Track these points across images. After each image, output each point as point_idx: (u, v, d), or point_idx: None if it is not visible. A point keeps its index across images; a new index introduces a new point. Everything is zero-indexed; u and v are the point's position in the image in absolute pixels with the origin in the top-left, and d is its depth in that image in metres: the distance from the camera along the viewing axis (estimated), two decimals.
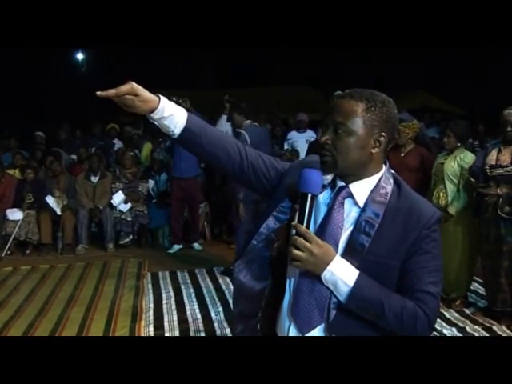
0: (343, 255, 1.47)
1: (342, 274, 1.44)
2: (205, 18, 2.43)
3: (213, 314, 4.73)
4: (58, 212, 7.07)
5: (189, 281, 5.78)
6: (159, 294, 5.35)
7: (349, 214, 1.51)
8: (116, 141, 9.55)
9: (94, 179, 7.37)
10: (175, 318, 4.68)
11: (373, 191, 1.51)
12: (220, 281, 5.74)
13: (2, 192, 7.10)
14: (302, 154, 7.26)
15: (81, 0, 2.29)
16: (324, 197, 1.55)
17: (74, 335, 4.31)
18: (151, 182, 7.51)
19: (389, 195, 1.51)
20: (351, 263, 1.46)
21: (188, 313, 4.80)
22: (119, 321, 4.63)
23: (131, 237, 7.28)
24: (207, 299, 5.15)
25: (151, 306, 4.99)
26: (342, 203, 1.52)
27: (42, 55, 14.20)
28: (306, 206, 1.46)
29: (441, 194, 4.68)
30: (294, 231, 1.46)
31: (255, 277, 1.60)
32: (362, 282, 1.44)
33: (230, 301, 4.98)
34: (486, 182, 4.37)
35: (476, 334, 4.21)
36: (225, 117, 6.02)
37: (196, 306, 4.96)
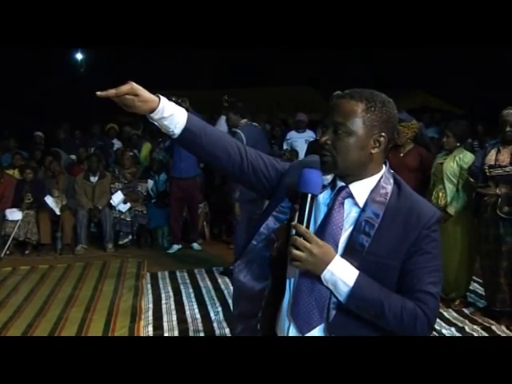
0: (343, 255, 1.47)
1: (341, 274, 1.44)
2: (204, 18, 2.43)
3: (212, 314, 4.73)
4: (57, 212, 7.07)
5: (188, 281, 5.78)
6: (158, 294, 5.35)
7: (349, 214, 1.51)
8: (115, 141, 9.55)
9: (94, 179, 7.36)
10: (174, 318, 4.68)
11: (373, 191, 1.51)
12: (219, 281, 5.74)
13: (1, 192, 7.10)
14: (301, 154, 7.26)
15: (81, 0, 2.29)
16: (324, 197, 1.55)
17: (73, 335, 4.31)
18: (150, 182, 7.50)
19: (389, 195, 1.51)
20: (351, 263, 1.46)
21: (187, 313, 4.80)
22: (118, 321, 4.63)
23: (130, 237, 7.28)
24: (206, 299, 5.15)
25: (150, 306, 4.99)
26: (342, 203, 1.52)
27: (42, 55, 14.19)
28: (305, 206, 1.46)
29: (440, 194, 4.68)
30: (293, 231, 1.46)
31: (255, 277, 1.60)
32: (362, 282, 1.44)
33: (230, 301, 4.99)
34: (485, 182, 4.37)
35: (475, 334, 4.21)
36: (224, 117, 6.02)
37: (195, 306, 4.96)
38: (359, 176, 1.52)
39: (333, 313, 1.49)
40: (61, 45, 2.54)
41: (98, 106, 6.35)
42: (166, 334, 4.32)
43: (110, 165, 8.39)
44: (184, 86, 12.69)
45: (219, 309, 4.84)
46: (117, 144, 9.39)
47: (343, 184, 1.53)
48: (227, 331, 4.33)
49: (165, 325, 4.52)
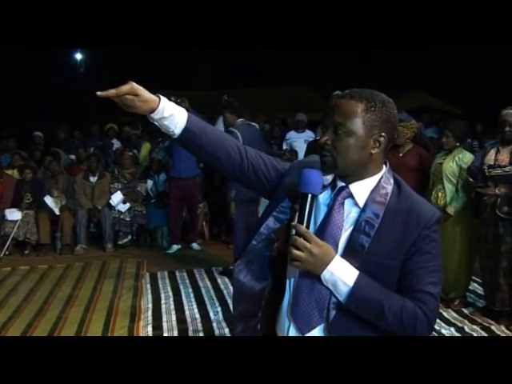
0: (343, 255, 1.47)
1: (341, 274, 1.44)
2: (204, 18, 2.43)
3: (211, 314, 4.73)
4: (57, 212, 7.07)
5: (187, 281, 5.78)
6: (158, 294, 5.35)
7: (349, 215, 1.51)
8: (115, 141, 9.54)
9: (93, 179, 7.36)
10: (174, 318, 4.68)
11: (373, 191, 1.51)
12: (219, 281, 5.74)
13: (1, 192, 7.10)
14: (301, 154, 7.26)
15: (81, 0, 2.29)
16: (324, 197, 1.55)
17: (73, 335, 4.31)
18: (150, 182, 7.50)
19: (389, 195, 1.50)
20: (351, 263, 1.46)
21: (187, 313, 4.80)
22: (118, 321, 4.63)
23: (130, 237, 7.28)
24: (206, 299, 5.15)
25: (150, 306, 4.99)
26: (342, 203, 1.52)
27: (42, 55, 14.18)
28: (306, 206, 1.46)
29: (439, 194, 4.68)
30: (293, 231, 1.46)
31: (255, 277, 1.60)
32: (362, 282, 1.44)
33: (229, 301, 4.99)
34: (484, 182, 4.37)
35: (474, 334, 4.21)
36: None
37: (195, 306, 4.96)
38: (359, 176, 1.52)
39: (333, 313, 1.48)
40: (61, 45, 2.54)
41: (98, 106, 6.36)
42: (165, 334, 4.31)
43: (109, 165, 8.39)
44: (184, 86, 12.70)
45: (218, 309, 4.84)
46: (116, 144, 9.39)
47: (343, 184, 1.53)
48: (227, 331, 4.33)
49: (164, 325, 4.52)
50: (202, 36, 2.52)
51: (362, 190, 1.51)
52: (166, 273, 6.05)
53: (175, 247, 7.02)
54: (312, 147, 5.33)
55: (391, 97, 1.54)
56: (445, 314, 4.61)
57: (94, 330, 4.44)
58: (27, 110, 14.47)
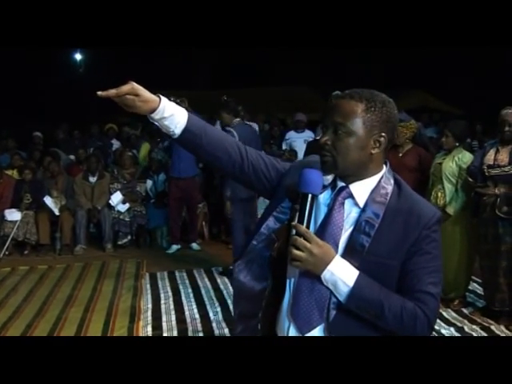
0: (343, 255, 1.47)
1: (341, 274, 1.45)
2: (204, 18, 2.43)
3: (211, 314, 4.73)
4: (56, 212, 7.06)
5: (187, 281, 5.78)
6: (157, 294, 5.35)
7: (349, 215, 1.51)
8: (114, 141, 9.55)
9: (92, 179, 7.36)
10: (173, 318, 4.68)
11: (373, 191, 1.51)
12: (218, 281, 5.74)
13: (0, 192, 7.09)
14: (300, 154, 7.26)
15: (81, 0, 2.29)
16: (324, 197, 1.55)
17: (73, 336, 4.30)
18: (149, 183, 7.50)
19: (389, 195, 1.51)
20: (351, 263, 1.46)
21: (186, 313, 4.80)
22: (117, 321, 4.63)
23: (129, 237, 7.27)
24: (205, 299, 5.15)
25: (149, 306, 4.99)
26: (343, 203, 1.52)
27: (42, 55, 14.17)
28: (306, 206, 1.46)
29: (439, 194, 4.69)
30: (294, 231, 1.46)
31: (255, 277, 1.60)
32: (362, 282, 1.44)
33: (229, 301, 4.99)
34: (483, 182, 4.37)
35: (474, 334, 4.21)
36: None
37: (194, 306, 4.96)
38: (359, 176, 1.52)
39: (333, 313, 1.49)
40: (61, 45, 2.54)
41: (97, 106, 6.35)
42: (165, 334, 4.31)
43: (108, 165, 8.39)
44: (184, 86, 12.69)
45: (218, 309, 4.84)
46: (116, 144, 9.39)
47: (343, 184, 1.53)
48: (226, 331, 4.33)
49: (164, 325, 4.52)
50: (202, 36, 2.52)
51: (362, 190, 1.51)
52: (165, 273, 6.05)
53: (175, 247, 7.02)
54: (311, 147, 5.32)
55: (391, 97, 1.54)
56: (444, 313, 4.61)
57: (94, 330, 4.44)
58: (27, 110, 14.46)
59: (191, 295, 5.29)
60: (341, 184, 1.53)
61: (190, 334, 4.35)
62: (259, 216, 1.75)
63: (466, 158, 4.62)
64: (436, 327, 4.27)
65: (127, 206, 7.20)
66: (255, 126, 7.91)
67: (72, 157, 8.79)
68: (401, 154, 4.82)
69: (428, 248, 1.47)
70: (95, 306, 5.02)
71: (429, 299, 1.45)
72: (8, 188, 7.15)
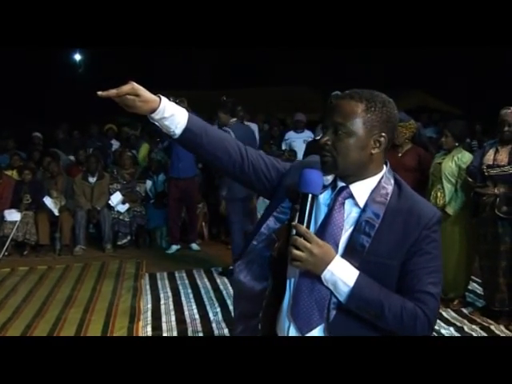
0: (343, 255, 1.47)
1: (341, 274, 1.45)
2: (204, 18, 2.43)
3: (211, 315, 4.73)
4: (56, 213, 7.06)
5: (187, 281, 5.77)
6: (157, 294, 5.35)
7: (349, 215, 1.51)
8: (114, 141, 9.54)
9: (92, 180, 7.36)
10: (173, 318, 4.68)
11: (373, 191, 1.51)
12: (218, 281, 5.73)
13: (0, 193, 7.09)
14: (300, 154, 7.26)
15: (80, 0, 2.29)
16: (324, 197, 1.55)
17: (72, 336, 4.30)
18: (149, 183, 7.50)
19: (389, 195, 1.51)
20: (351, 263, 1.46)
21: (186, 313, 4.80)
22: (117, 321, 4.62)
23: (129, 237, 7.27)
24: (205, 299, 5.15)
25: (149, 306, 4.99)
26: (343, 204, 1.52)
27: (41, 55, 14.16)
28: (306, 206, 1.46)
29: (438, 194, 4.69)
30: (294, 231, 1.46)
31: (255, 277, 1.60)
32: (362, 282, 1.44)
33: (228, 301, 4.99)
34: (483, 182, 4.38)
35: (474, 334, 4.22)
36: None
37: (194, 307, 4.95)
38: (360, 176, 1.52)
39: (333, 313, 1.49)
40: (61, 45, 2.54)
41: (97, 106, 6.33)
42: (164, 335, 4.31)
43: (108, 165, 8.39)
44: (184, 86, 12.67)
45: (218, 309, 4.84)
46: (115, 145, 9.39)
47: (344, 184, 1.53)
48: (226, 331, 4.33)
49: (163, 325, 4.51)
50: (202, 36, 2.52)
51: (362, 190, 1.51)
52: (165, 273, 6.04)
53: (174, 247, 7.02)
54: (311, 147, 5.33)
55: (391, 97, 1.54)
56: (444, 313, 4.61)
57: (94, 330, 4.43)
58: (26, 110, 14.45)
59: (191, 295, 5.29)
60: (341, 184, 1.53)
61: (189, 334, 4.35)
62: (259, 216, 1.75)
63: (465, 157, 4.63)
64: (436, 327, 4.27)
65: (127, 206, 7.20)
66: (255, 126, 7.92)
67: (72, 157, 8.78)
68: (400, 154, 4.82)
69: (428, 248, 1.47)
70: (95, 307, 5.02)
71: (429, 299, 1.45)
72: (7, 188, 7.15)
